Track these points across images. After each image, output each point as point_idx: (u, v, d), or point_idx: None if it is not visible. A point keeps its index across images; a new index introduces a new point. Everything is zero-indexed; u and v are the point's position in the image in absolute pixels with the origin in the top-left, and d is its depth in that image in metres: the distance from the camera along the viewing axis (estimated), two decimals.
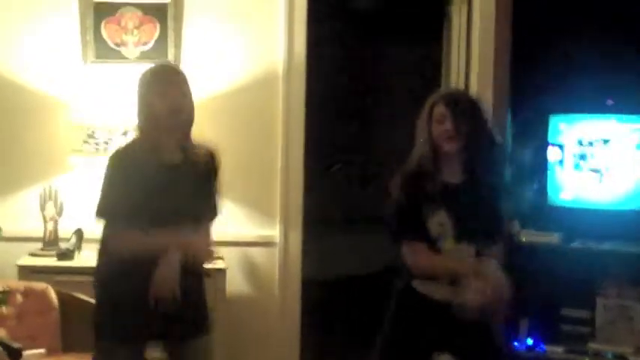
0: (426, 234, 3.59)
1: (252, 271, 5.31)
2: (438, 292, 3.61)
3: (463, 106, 3.62)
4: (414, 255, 3.62)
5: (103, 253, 3.70)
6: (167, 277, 3.51)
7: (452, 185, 3.62)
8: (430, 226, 3.58)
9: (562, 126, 5.05)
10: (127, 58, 5.24)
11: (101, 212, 3.62)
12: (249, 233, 5.30)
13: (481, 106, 3.73)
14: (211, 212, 3.72)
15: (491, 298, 3.53)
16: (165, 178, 3.58)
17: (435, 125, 3.61)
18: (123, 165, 3.62)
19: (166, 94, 3.56)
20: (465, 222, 3.58)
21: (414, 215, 3.59)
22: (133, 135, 3.75)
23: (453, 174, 3.64)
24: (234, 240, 5.20)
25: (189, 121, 3.65)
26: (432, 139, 3.61)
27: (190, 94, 3.67)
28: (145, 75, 3.69)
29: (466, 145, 3.59)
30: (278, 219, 5.30)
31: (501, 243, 3.73)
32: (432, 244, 3.60)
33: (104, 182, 3.64)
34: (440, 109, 3.60)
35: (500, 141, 3.77)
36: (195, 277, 3.71)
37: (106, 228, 3.64)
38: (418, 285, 3.64)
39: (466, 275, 3.54)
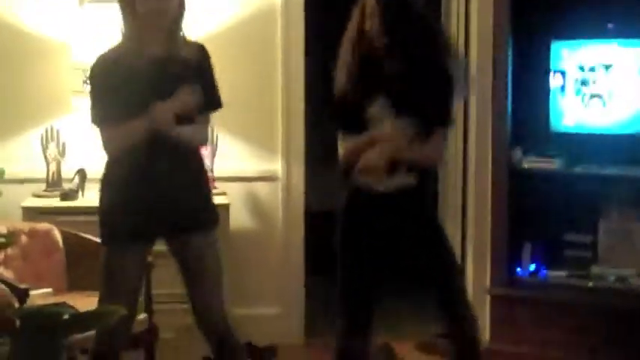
0: (364, 123, 3.65)
1: (255, 205, 5.35)
2: (379, 184, 3.66)
3: (399, 8, 3.61)
4: (342, 151, 3.70)
5: (107, 159, 3.74)
6: (164, 108, 3.53)
7: (391, 72, 3.64)
8: (370, 112, 3.64)
9: (564, 52, 5.01)
10: None
11: (95, 119, 3.66)
12: (251, 168, 5.33)
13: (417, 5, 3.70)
14: (208, 103, 3.71)
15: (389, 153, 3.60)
16: (152, 73, 3.58)
17: (366, 20, 3.62)
18: (108, 69, 3.62)
19: (158, 8, 3.52)
20: (403, 105, 3.62)
21: (352, 107, 3.66)
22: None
23: (391, 62, 3.64)
24: (237, 175, 5.25)
25: (175, 18, 3.60)
26: (364, 33, 3.63)
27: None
28: None
29: (400, 38, 3.61)
30: (280, 153, 5.33)
31: (446, 128, 3.73)
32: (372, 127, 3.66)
33: (92, 90, 3.67)
34: (370, 4, 3.62)
35: (440, 31, 3.82)
36: (193, 171, 3.74)
37: (102, 133, 3.66)
38: (361, 181, 3.69)
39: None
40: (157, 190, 3.64)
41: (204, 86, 3.66)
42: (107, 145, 3.66)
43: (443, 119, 3.70)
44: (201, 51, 3.72)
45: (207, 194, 3.85)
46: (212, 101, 3.74)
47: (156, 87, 3.57)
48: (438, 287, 3.77)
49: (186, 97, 3.59)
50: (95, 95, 3.66)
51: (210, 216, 3.82)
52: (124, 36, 3.65)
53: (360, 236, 3.72)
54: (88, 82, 3.75)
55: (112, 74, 3.59)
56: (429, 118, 3.65)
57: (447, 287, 3.79)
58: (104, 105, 3.62)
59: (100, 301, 3.71)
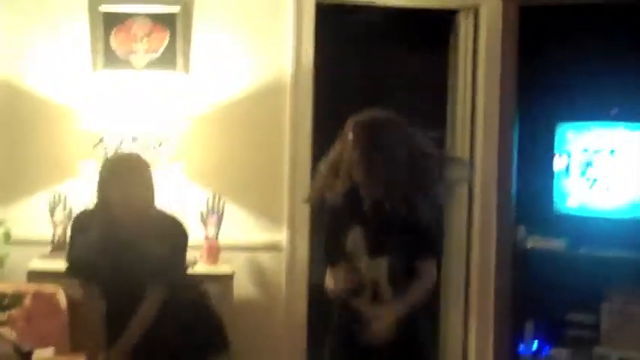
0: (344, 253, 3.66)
1: (259, 275, 5.34)
2: (362, 306, 3.65)
3: (378, 149, 3.56)
4: (330, 281, 3.71)
5: None
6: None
7: (368, 204, 3.63)
8: (347, 244, 3.64)
9: (569, 134, 5.08)
10: (135, 67, 5.28)
11: (67, 269, 3.98)
12: (256, 238, 5.33)
13: (398, 135, 3.61)
14: (167, 277, 3.80)
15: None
16: (117, 248, 3.77)
17: (352, 165, 3.59)
18: (82, 230, 3.88)
19: (121, 195, 3.75)
20: (378, 239, 3.60)
21: (335, 236, 3.67)
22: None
23: (370, 194, 3.63)
24: (242, 245, 5.25)
25: (144, 209, 3.81)
26: (349, 173, 3.61)
27: (150, 185, 3.84)
28: (104, 167, 3.90)
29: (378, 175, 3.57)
30: (285, 224, 5.34)
31: (432, 259, 3.66)
32: (351, 261, 3.65)
33: (69, 241, 4.01)
34: (356, 154, 3.56)
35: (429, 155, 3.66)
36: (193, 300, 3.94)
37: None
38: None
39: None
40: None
41: (163, 257, 3.76)
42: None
43: (429, 252, 3.66)
44: (173, 226, 3.89)
45: (209, 322, 4.00)
46: (167, 276, 3.81)
47: (117, 257, 3.77)
48: None
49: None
50: (70, 247, 3.98)
51: (216, 343, 3.99)
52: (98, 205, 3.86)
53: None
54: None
55: (83, 235, 3.86)
56: (413, 254, 3.62)
57: None
58: (75, 258, 3.91)
59: None
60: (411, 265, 3.62)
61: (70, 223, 4.14)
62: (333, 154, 3.69)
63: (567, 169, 5.06)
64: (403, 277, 3.62)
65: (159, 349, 3.78)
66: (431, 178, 3.62)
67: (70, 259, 3.94)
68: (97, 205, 3.86)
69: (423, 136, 3.68)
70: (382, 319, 3.55)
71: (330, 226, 3.72)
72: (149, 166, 3.89)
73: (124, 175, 3.81)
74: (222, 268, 4.97)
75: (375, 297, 3.64)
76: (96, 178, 3.89)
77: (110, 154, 4.94)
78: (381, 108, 3.68)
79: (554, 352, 4.94)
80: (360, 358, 3.66)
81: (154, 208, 3.87)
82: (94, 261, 3.78)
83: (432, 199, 3.62)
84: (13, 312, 4.33)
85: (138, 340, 3.76)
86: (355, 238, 3.64)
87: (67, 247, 4.03)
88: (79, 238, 3.88)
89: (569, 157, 5.05)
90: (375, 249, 3.61)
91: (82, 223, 3.93)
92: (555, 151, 5.08)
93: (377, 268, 3.62)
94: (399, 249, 3.60)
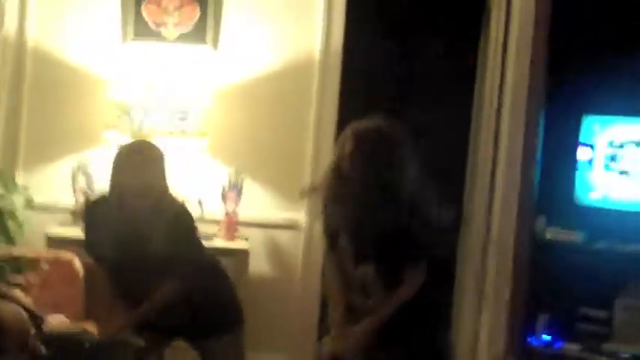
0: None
1: (276, 253, 5.37)
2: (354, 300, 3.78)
3: (367, 146, 3.61)
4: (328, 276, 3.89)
5: None
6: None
7: (356, 210, 3.64)
8: (339, 244, 3.72)
9: (595, 126, 5.04)
10: (165, 39, 5.31)
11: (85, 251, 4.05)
12: (275, 216, 5.35)
13: (389, 143, 3.64)
14: (181, 269, 3.77)
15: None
16: (129, 237, 3.75)
17: (344, 159, 3.64)
18: (95, 218, 3.91)
19: (133, 183, 3.75)
20: (363, 247, 3.64)
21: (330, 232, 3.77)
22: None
23: (359, 200, 3.64)
24: (260, 222, 5.28)
25: (156, 199, 3.79)
26: (341, 170, 3.67)
27: (162, 174, 3.83)
28: (119, 154, 3.88)
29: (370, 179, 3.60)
30: (305, 204, 5.33)
31: (418, 267, 3.64)
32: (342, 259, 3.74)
33: (84, 229, 4.02)
34: (348, 147, 3.62)
35: (412, 176, 3.65)
36: (209, 282, 3.91)
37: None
38: None
39: None
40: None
41: (177, 248, 3.74)
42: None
43: (413, 260, 3.65)
44: (184, 219, 3.88)
45: (224, 302, 4.00)
46: (180, 268, 3.77)
47: (128, 242, 3.76)
48: None
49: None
50: (85, 234, 4.01)
51: (229, 319, 4.00)
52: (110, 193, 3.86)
53: None
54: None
55: (95, 222, 3.91)
56: (397, 261, 3.63)
57: None
58: (90, 245, 3.97)
59: None
60: (399, 269, 3.64)
61: (84, 211, 4.26)
62: (333, 157, 3.76)
63: (591, 161, 5.02)
64: (392, 279, 3.64)
65: (173, 323, 3.84)
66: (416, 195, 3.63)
67: (86, 247, 4.02)
68: (109, 192, 3.85)
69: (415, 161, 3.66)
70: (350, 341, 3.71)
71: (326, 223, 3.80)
72: (162, 155, 3.86)
73: (136, 164, 3.80)
74: (238, 244, 5.00)
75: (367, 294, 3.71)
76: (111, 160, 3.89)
77: (134, 124, 5.00)
78: (384, 118, 3.68)
79: (565, 345, 4.92)
80: None
81: (167, 197, 3.86)
82: (106, 250, 3.80)
83: (414, 209, 3.61)
84: (30, 277, 4.40)
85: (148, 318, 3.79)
86: (343, 243, 3.71)
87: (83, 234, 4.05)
88: (92, 227, 3.92)
89: (593, 149, 5.02)
90: (360, 256, 3.66)
91: (94, 211, 3.97)
92: (580, 142, 5.04)
93: (363, 274, 3.68)
94: (384, 257, 3.62)
